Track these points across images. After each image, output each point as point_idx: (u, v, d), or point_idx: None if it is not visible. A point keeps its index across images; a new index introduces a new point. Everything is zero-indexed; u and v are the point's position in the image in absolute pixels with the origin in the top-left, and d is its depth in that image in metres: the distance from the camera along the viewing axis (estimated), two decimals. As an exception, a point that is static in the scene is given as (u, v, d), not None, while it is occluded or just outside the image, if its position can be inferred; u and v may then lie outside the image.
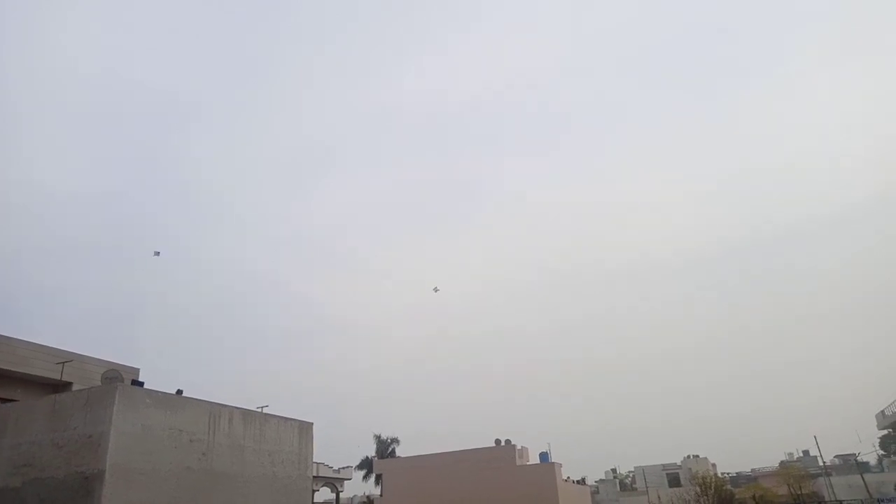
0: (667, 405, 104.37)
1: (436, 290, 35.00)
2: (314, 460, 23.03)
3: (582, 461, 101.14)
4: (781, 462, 72.36)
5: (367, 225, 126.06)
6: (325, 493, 57.73)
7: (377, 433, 57.71)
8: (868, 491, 50.99)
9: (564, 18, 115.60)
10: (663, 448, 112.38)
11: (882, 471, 65.16)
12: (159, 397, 16.16)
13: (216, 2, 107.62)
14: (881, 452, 71.34)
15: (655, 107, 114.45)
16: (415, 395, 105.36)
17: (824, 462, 61.11)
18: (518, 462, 39.77)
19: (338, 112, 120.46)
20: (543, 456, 42.11)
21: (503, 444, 40.93)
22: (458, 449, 41.52)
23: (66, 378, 20.56)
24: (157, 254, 35.54)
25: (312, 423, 21.52)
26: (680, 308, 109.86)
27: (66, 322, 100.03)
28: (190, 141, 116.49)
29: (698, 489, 58.59)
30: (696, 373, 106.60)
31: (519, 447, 40.57)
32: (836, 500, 51.18)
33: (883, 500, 47.77)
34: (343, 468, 56.20)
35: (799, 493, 55.28)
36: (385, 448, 56.62)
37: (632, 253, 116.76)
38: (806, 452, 73.78)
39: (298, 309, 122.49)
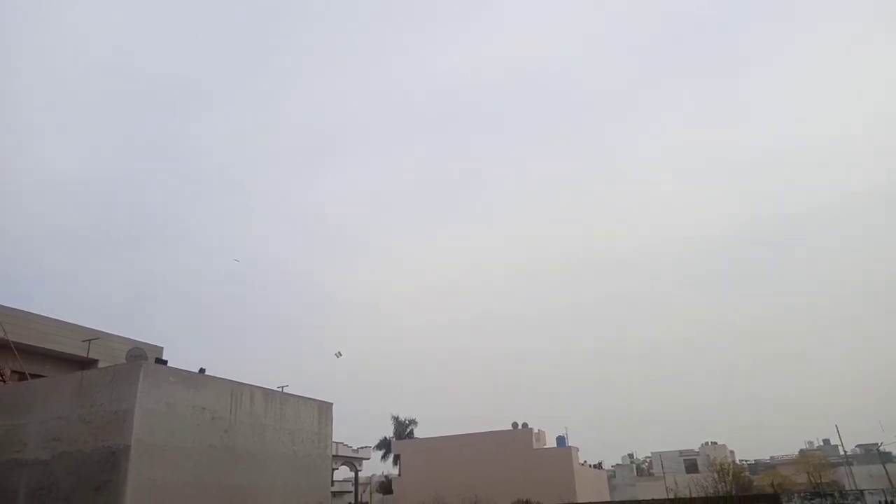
0: (685, 391, 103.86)
1: (339, 355, 31.38)
2: (333, 440, 23.37)
3: (599, 446, 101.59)
4: (801, 450, 71.70)
5: (385, 209, 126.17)
6: (344, 472, 58.57)
7: (395, 415, 58.32)
8: (890, 481, 50.36)
9: (581, 6, 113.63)
10: (681, 434, 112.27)
11: (905, 461, 64.34)
12: (182, 375, 16.47)
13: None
14: (904, 442, 70.40)
15: (666, 96, 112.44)
16: (433, 379, 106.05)
17: (845, 451, 60.45)
18: (535, 445, 39.98)
19: (351, 96, 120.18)
20: (560, 440, 42.26)
21: (520, 427, 41.13)
22: (475, 431, 41.82)
23: (92, 355, 21.04)
24: (237, 261, 33.53)
25: (332, 404, 21.81)
26: (698, 292, 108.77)
27: (86, 305, 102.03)
28: (203, 125, 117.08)
29: (716, 476, 58.38)
30: (714, 358, 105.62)
31: (536, 431, 40.75)
32: (857, 490, 50.69)
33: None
34: (362, 448, 56.95)
35: (818, 481, 54.75)
36: (403, 429, 57.23)
37: (648, 237, 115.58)
38: (826, 441, 73.06)
39: (314, 293, 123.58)
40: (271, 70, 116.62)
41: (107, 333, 22.46)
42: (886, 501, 19.31)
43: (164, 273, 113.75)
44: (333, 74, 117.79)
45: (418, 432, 56.09)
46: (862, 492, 21.21)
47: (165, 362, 17.91)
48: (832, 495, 21.59)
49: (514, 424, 41.44)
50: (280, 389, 20.65)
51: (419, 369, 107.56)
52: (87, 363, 20.94)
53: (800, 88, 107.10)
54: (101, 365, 20.34)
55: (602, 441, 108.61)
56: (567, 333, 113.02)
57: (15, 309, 20.44)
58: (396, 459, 47.92)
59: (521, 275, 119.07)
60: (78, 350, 20.99)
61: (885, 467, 53.31)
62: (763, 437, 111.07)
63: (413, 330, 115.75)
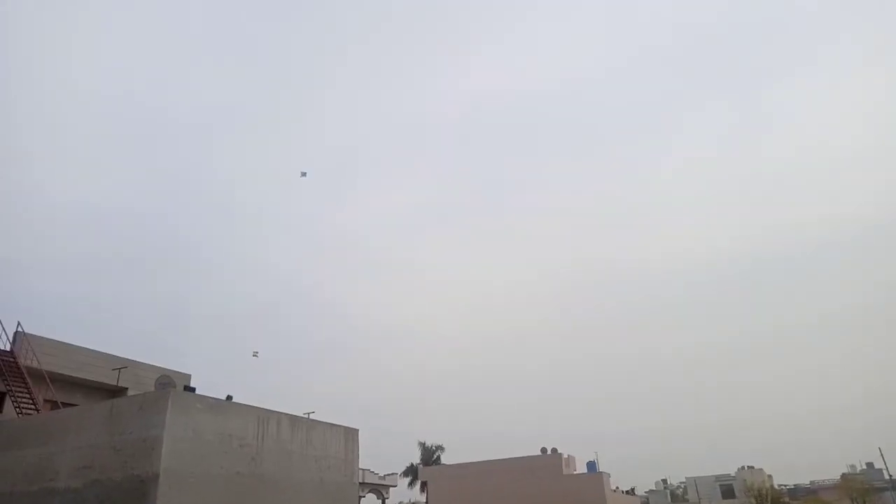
0: (722, 408, 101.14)
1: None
2: (360, 466, 23.18)
3: (631, 471, 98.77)
4: (843, 474, 69.10)
5: (406, 228, 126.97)
6: (371, 500, 58.02)
7: (422, 440, 57.79)
8: (939, 506, 48.24)
9: (595, 26, 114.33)
10: (717, 459, 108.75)
11: (954, 485, 61.56)
12: (210, 402, 16.54)
13: (245, 12, 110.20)
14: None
15: (690, 113, 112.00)
16: (459, 401, 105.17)
17: (890, 475, 58.08)
18: (565, 471, 39.17)
19: (371, 116, 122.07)
20: (591, 465, 41.38)
21: (549, 452, 40.39)
22: (503, 457, 41.18)
23: (122, 384, 21.30)
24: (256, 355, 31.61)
25: (358, 430, 21.67)
26: (739, 304, 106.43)
27: (116, 333, 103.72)
28: (221, 150, 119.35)
29: (753, 502, 56.57)
30: (753, 373, 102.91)
31: (566, 456, 39.96)
32: (904, 516, 48.62)
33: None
34: (388, 475, 56.43)
35: (863, 507, 52.69)
36: (430, 455, 56.61)
37: (679, 249, 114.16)
38: (870, 465, 70.30)
39: (338, 316, 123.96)
40: (291, 95, 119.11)
41: (136, 362, 22.74)
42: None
43: (191, 300, 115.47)
44: (355, 96, 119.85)
45: (445, 458, 55.44)
46: (910, 518, 20.24)
47: (193, 389, 18.01)
48: (878, 521, 20.61)
49: (543, 450, 40.72)
50: (306, 416, 20.61)
51: (447, 391, 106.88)
52: (117, 391, 21.20)
53: (802, 103, 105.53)
54: (130, 393, 20.57)
55: (635, 466, 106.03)
56: (597, 350, 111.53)
57: (48, 339, 20.83)
58: (423, 486, 47.30)
59: (551, 290, 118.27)
60: (108, 378, 21.27)
61: (933, 492, 51.14)
62: (803, 458, 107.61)
63: (438, 352, 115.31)
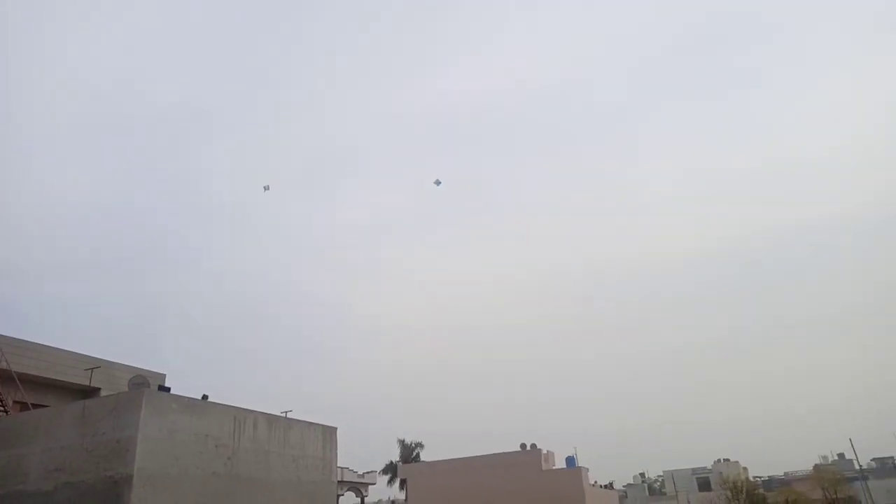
0: (697, 405, 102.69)
1: (266, 188, 31.09)
2: (338, 465, 23.08)
3: (610, 465, 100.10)
4: (815, 465, 70.53)
5: (388, 227, 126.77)
6: (349, 498, 57.84)
7: (401, 438, 57.71)
8: (907, 495, 49.51)
9: (577, 25, 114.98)
10: (693, 452, 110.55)
11: (922, 475, 63.26)
12: (185, 402, 16.32)
13: (233, 6, 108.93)
14: (921, 456, 69.28)
15: (662, 109, 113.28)
16: (439, 398, 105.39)
17: (860, 465, 59.47)
18: (544, 466, 39.39)
19: (355, 116, 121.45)
20: (570, 460, 41.66)
21: (528, 448, 40.59)
22: (483, 453, 41.28)
23: (94, 384, 20.90)
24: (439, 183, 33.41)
25: (336, 428, 21.57)
26: (710, 304, 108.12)
27: (90, 333, 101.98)
28: (206, 149, 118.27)
29: (729, 494, 57.41)
30: (725, 371, 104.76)
31: (544, 451, 40.18)
32: (874, 505, 49.84)
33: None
34: (367, 473, 56.28)
35: (834, 497, 53.85)
36: (409, 452, 56.56)
37: (655, 249, 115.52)
38: (841, 455, 71.85)
39: (319, 313, 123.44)
40: (274, 93, 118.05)
41: (109, 361, 22.36)
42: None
43: (168, 299, 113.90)
44: (338, 97, 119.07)
45: (425, 455, 55.43)
46: (879, 507, 20.74)
47: (168, 389, 17.74)
48: (849, 511, 21.10)
49: (523, 445, 40.90)
50: (284, 414, 20.45)
51: (423, 390, 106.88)
52: (89, 392, 20.81)
53: (798, 103, 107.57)
54: (103, 393, 20.21)
55: (613, 461, 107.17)
56: (575, 347, 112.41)
57: (16, 339, 20.39)
58: (403, 484, 47.28)
59: (530, 288, 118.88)
60: (80, 379, 20.87)
61: (901, 481, 52.44)
62: (777, 451, 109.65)
63: (418, 349, 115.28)
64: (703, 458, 77.41)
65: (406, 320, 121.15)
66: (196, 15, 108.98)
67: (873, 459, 73.83)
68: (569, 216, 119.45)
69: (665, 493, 76.18)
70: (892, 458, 63.91)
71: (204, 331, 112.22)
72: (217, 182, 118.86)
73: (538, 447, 40.39)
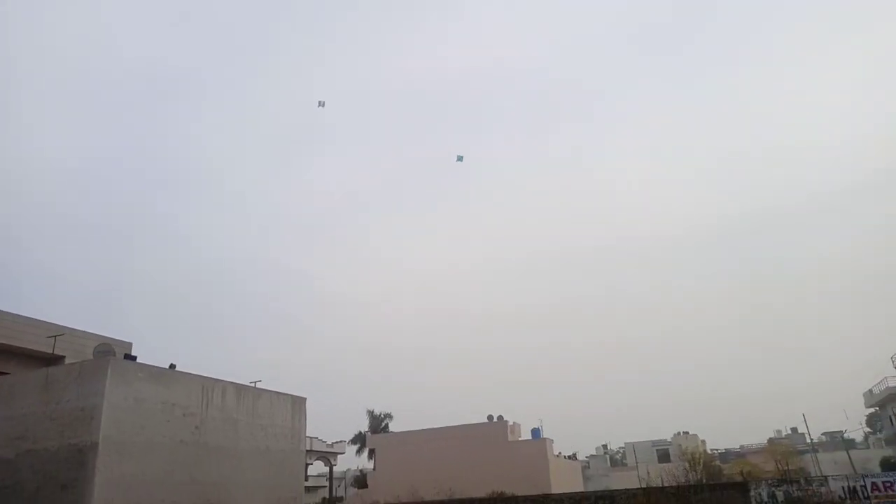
0: (659, 385, 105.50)
1: (321, 104, 32.88)
2: (307, 434, 23.27)
3: (573, 438, 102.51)
4: (770, 439, 73.50)
5: (364, 203, 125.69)
6: (318, 467, 58.42)
7: (370, 408, 58.16)
8: (853, 467, 51.94)
9: (558, 5, 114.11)
10: (655, 426, 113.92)
11: (868, 447, 66.35)
12: (152, 371, 16.22)
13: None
14: (867, 430, 72.56)
15: (645, 89, 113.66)
16: (409, 372, 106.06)
17: (811, 439, 62.12)
18: (510, 438, 40.24)
19: (334, 88, 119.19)
20: (535, 432, 42.60)
21: (495, 419, 41.37)
22: (450, 425, 41.94)
23: (58, 352, 20.56)
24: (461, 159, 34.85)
25: (305, 398, 21.69)
26: (672, 290, 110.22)
27: (57, 299, 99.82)
28: (181, 117, 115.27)
29: (687, 465, 59.50)
30: (687, 355, 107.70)
31: (511, 423, 41.01)
32: (822, 476, 52.14)
33: (867, 476, 48.64)
34: (336, 443, 56.75)
35: (786, 468, 56.18)
36: (378, 423, 57.08)
37: (619, 234, 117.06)
38: (794, 430, 75.01)
39: (293, 285, 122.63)
40: (250, 65, 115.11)
41: (73, 329, 21.96)
42: (849, 487, 19.86)
43: (136, 265, 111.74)
44: (313, 71, 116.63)
45: (393, 426, 55.97)
46: (826, 478, 21.77)
47: (135, 358, 17.60)
48: (798, 482, 22.11)
49: (490, 417, 41.67)
50: (253, 384, 20.46)
51: (396, 362, 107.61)
52: (53, 360, 20.46)
53: (780, 82, 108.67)
54: (67, 361, 19.90)
55: (577, 433, 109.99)
56: (543, 327, 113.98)
57: (-24, 305, 19.87)
58: (371, 454, 47.82)
59: (498, 269, 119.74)
60: (43, 346, 20.49)
61: (848, 454, 54.94)
62: (735, 428, 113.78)
63: (391, 322, 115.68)
64: (664, 433, 80.00)
65: (381, 296, 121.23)
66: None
67: (824, 434, 77.19)
68: (542, 200, 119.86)
69: (626, 464, 78.58)
70: (841, 432, 66.79)
71: (173, 299, 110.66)
72: (187, 148, 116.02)
73: (504, 419, 41.20)
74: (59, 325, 21.45)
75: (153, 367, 16.47)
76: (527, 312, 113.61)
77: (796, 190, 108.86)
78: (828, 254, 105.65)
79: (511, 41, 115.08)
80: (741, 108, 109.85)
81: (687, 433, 75.08)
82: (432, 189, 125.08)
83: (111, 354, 16.82)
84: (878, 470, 48.72)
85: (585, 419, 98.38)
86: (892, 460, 48.59)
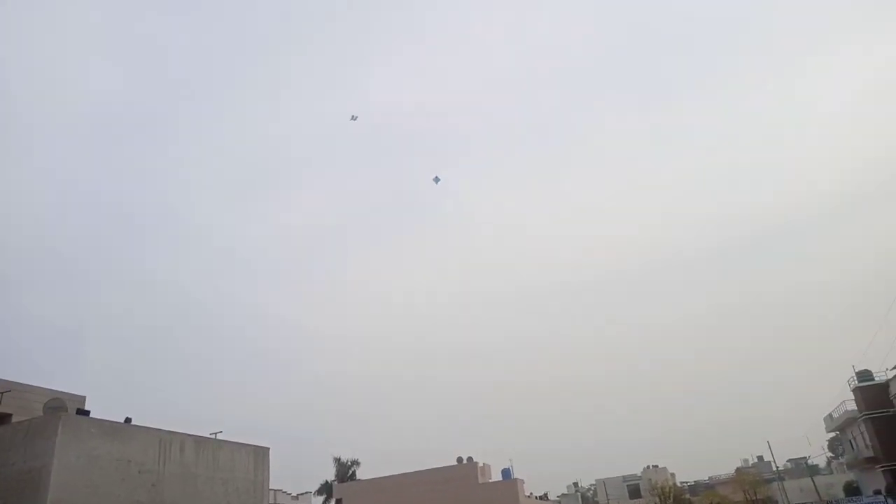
0: (629, 420, 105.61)
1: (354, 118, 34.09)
2: (271, 487, 22.47)
3: (545, 476, 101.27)
4: (737, 469, 74.14)
5: (328, 238, 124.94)
6: (284, 520, 56.23)
7: (337, 456, 56.62)
8: (818, 494, 52.70)
9: (520, 32, 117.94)
10: (625, 461, 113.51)
11: (831, 472, 67.50)
12: (106, 427, 15.54)
13: (153, 12, 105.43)
14: (829, 455, 73.89)
15: (614, 114, 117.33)
16: (377, 413, 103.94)
17: (777, 467, 62.87)
18: (480, 479, 39.61)
19: (296, 124, 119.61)
20: (505, 472, 42.07)
21: (465, 461, 40.73)
22: (419, 469, 41.12)
23: (4, 409, 19.52)
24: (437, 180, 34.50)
25: (268, 448, 21.00)
26: (635, 325, 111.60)
27: (6, 349, 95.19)
28: (145, 154, 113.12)
29: (657, 500, 59.50)
30: (653, 388, 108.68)
31: (481, 464, 40.43)
32: (789, 504, 52.76)
33: (831, 503, 49.41)
34: (302, 494, 54.96)
35: (754, 498, 56.64)
36: (345, 471, 55.56)
37: (577, 271, 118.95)
38: (760, 458, 75.81)
39: (256, 325, 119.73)
40: (210, 99, 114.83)
41: (21, 384, 20.92)
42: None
43: (91, 313, 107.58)
44: (275, 106, 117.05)
45: (361, 473, 54.59)
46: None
47: (88, 413, 16.82)
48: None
49: (459, 459, 41.02)
50: (214, 435, 19.75)
51: (361, 404, 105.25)
52: (-1, 418, 19.43)
53: (759, 99, 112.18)
54: (15, 419, 18.90)
55: (548, 471, 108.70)
56: (512, 364, 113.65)
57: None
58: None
59: (467, 306, 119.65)
60: (-12, 405, 19.44)
61: (813, 480, 55.74)
62: (704, 459, 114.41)
63: (357, 362, 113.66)
64: (634, 467, 79.85)
65: (345, 332, 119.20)
66: (134, 18, 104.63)
67: (789, 461, 78.34)
68: (509, 230, 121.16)
69: (598, 502, 78.00)
70: (805, 458, 67.90)
71: (129, 346, 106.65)
72: (152, 185, 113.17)
73: (474, 460, 40.62)
74: (5, 381, 20.43)
75: (108, 422, 15.78)
76: (498, 348, 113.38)
77: (760, 219, 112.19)
78: (790, 283, 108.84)
79: (479, 72, 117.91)
80: (728, 124, 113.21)
81: (657, 467, 75.15)
82: (395, 226, 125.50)
83: (63, 410, 16.06)
84: (842, 495, 49.58)
85: (555, 457, 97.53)
86: (855, 485, 49.45)
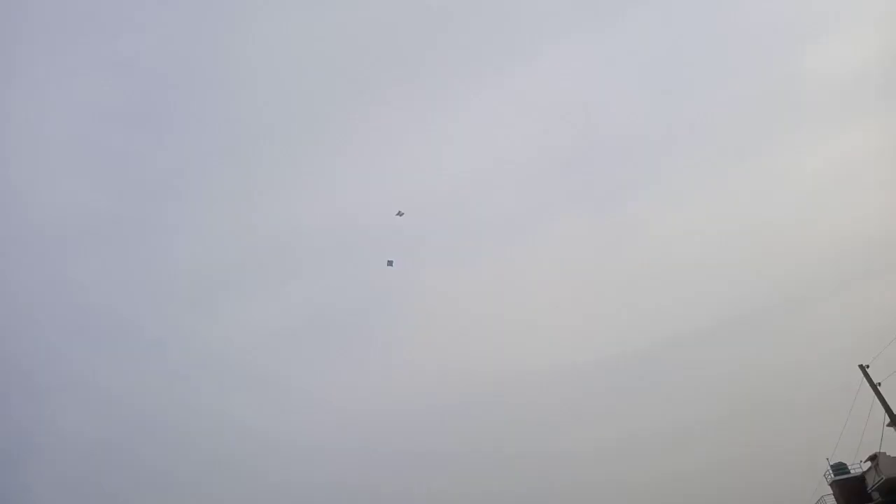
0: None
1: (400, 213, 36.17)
2: None
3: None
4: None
5: (283, 345, 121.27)
6: None
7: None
8: None
9: (474, 135, 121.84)
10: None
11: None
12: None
13: (108, 122, 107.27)
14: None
15: (562, 217, 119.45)
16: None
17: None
18: None
19: (259, 228, 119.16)
20: None
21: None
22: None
23: None
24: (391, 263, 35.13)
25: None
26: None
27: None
28: (92, 261, 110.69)
29: None
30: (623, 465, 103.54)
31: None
32: None
33: None
34: None
35: None
36: None
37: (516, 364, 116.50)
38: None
39: (219, 433, 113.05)
40: (155, 205, 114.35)
41: None
42: None
43: (46, 426, 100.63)
44: (222, 211, 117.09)
45: None
46: None
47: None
48: None
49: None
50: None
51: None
52: None
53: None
54: None
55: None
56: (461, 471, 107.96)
57: None
58: None
59: (417, 412, 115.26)
60: None
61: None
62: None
63: (329, 472, 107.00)
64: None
65: (320, 441, 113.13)
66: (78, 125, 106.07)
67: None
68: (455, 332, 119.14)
69: None
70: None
71: (73, 464, 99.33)
72: (94, 297, 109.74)
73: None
74: None
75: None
76: (449, 453, 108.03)
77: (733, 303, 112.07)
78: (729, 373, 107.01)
79: (430, 174, 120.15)
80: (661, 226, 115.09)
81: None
82: (344, 329, 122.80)
83: None
84: None
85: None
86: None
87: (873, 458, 35.93)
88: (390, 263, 35.73)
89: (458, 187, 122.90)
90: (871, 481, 37.15)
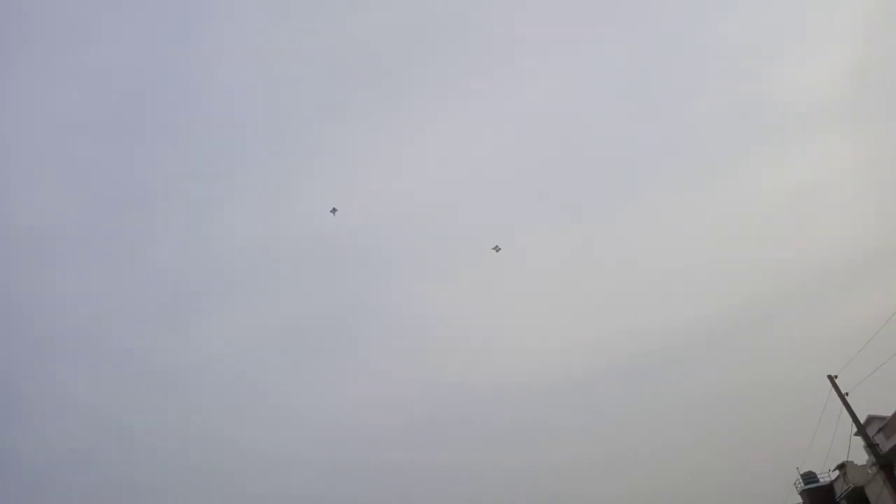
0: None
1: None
2: None
3: None
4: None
5: (260, 356, 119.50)
6: None
7: None
8: None
9: (458, 142, 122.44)
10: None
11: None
12: None
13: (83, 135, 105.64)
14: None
15: (542, 231, 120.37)
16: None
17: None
18: None
19: (221, 242, 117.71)
20: None
21: None
22: None
23: None
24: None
25: None
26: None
27: None
28: (65, 274, 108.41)
29: None
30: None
31: None
32: None
33: None
34: None
35: None
36: None
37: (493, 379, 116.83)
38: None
39: (190, 444, 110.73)
40: (130, 216, 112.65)
41: None
42: None
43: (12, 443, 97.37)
44: (197, 222, 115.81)
45: None
46: None
47: None
48: None
49: None
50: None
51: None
52: None
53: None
54: None
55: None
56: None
57: None
58: None
59: (401, 424, 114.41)
60: None
61: None
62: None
63: (303, 483, 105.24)
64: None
65: (270, 448, 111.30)
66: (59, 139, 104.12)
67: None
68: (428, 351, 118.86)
69: None
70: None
71: (39, 486, 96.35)
72: (65, 312, 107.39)
73: None
74: None
75: None
76: (423, 469, 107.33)
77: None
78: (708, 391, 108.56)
79: (413, 183, 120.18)
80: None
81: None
82: (338, 339, 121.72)
83: None
84: None
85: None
86: None
87: (841, 466, 36.73)
88: (334, 211, 35.76)
89: (433, 199, 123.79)
90: (840, 490, 38.05)
